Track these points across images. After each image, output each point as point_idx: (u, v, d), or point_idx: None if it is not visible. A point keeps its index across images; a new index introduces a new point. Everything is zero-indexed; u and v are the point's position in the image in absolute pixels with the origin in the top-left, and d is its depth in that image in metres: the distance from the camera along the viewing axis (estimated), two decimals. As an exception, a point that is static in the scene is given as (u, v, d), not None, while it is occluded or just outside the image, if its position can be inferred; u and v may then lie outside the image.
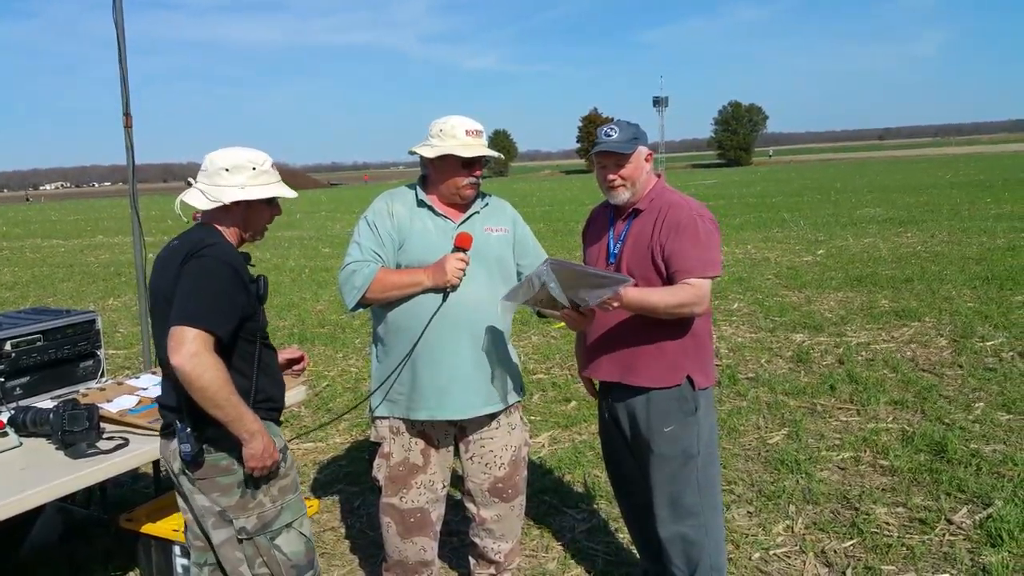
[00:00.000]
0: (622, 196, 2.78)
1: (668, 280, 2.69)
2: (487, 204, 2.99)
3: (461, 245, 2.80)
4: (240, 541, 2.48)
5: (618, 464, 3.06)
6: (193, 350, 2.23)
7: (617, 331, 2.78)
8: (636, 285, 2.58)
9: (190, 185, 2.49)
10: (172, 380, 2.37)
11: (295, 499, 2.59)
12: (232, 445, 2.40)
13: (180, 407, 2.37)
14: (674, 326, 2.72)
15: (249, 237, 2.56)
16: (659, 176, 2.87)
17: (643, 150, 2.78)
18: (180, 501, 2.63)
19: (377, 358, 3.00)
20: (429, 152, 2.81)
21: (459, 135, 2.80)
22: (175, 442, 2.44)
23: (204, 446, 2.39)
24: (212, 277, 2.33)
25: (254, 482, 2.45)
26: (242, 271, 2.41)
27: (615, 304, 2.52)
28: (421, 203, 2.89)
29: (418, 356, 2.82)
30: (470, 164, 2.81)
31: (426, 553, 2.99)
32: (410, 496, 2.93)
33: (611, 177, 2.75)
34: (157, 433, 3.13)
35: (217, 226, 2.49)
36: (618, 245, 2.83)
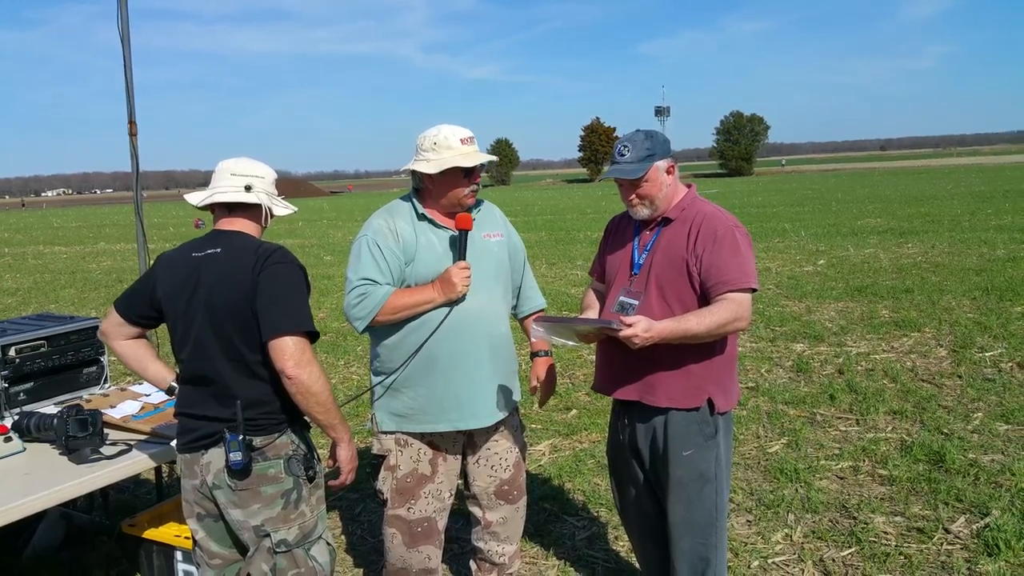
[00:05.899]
0: (642, 212, 2.69)
1: (703, 292, 2.59)
2: (480, 210, 2.95)
3: (463, 227, 2.76)
4: (274, 554, 2.46)
5: (626, 483, 2.97)
6: (305, 359, 2.30)
7: (640, 348, 2.57)
8: (629, 324, 2.41)
9: (249, 189, 2.51)
10: (221, 389, 2.39)
11: (324, 509, 2.61)
12: (279, 455, 2.43)
13: (234, 417, 2.36)
14: (702, 346, 2.61)
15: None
16: (689, 186, 2.77)
17: (661, 164, 2.64)
18: (196, 521, 2.57)
19: (379, 374, 2.92)
20: (429, 168, 2.73)
21: (455, 145, 2.73)
22: (212, 453, 2.43)
23: (252, 455, 2.39)
24: (296, 281, 2.41)
25: (298, 491, 2.46)
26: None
27: (636, 343, 2.42)
28: (422, 217, 2.83)
29: (434, 368, 2.79)
30: (471, 172, 2.77)
31: (430, 561, 2.98)
32: (418, 506, 2.90)
33: (629, 198, 2.69)
34: (161, 439, 3.17)
35: (245, 230, 2.54)
36: (644, 256, 2.73)
